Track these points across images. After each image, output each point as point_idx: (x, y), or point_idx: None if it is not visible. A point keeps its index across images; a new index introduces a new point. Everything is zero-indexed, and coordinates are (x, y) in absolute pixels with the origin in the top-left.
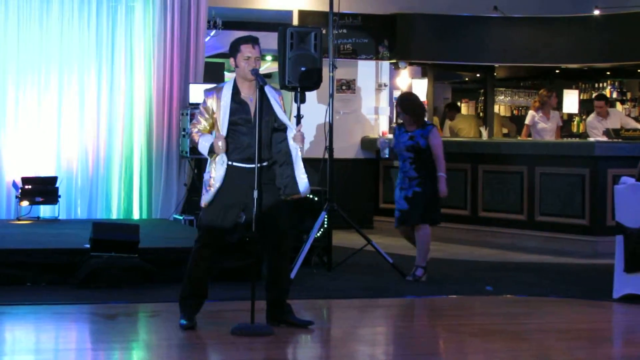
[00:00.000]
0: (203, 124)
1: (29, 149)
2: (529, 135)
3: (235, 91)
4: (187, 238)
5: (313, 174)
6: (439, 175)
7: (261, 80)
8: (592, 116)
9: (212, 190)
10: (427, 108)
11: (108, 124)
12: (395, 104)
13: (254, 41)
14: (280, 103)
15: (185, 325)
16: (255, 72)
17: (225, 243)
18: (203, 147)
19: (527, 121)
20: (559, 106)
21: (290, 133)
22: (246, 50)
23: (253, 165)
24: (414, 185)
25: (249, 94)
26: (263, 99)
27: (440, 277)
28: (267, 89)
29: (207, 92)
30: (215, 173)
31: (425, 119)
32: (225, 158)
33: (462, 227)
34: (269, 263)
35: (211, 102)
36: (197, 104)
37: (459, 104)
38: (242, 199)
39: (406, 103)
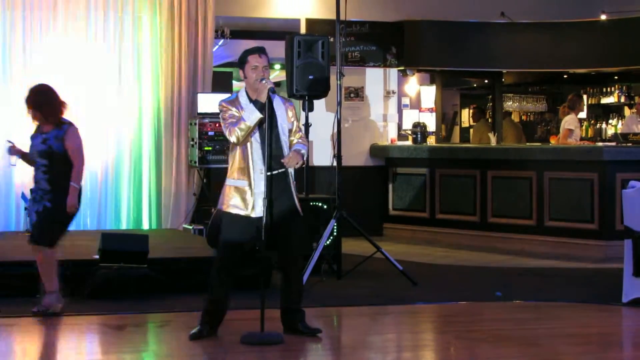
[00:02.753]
0: (236, 116)
1: None
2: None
3: (250, 100)
4: (197, 248)
5: (322, 181)
6: (70, 185)
7: (271, 90)
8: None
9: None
10: (435, 114)
11: (116, 134)
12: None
13: (260, 50)
14: (289, 114)
15: (195, 333)
16: (272, 89)
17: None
18: (250, 114)
19: (571, 125)
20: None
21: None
22: (253, 60)
23: (269, 173)
24: (45, 200)
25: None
26: (272, 109)
27: (450, 283)
28: (275, 100)
29: (226, 102)
30: (255, 180)
31: (63, 116)
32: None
33: (472, 233)
34: (282, 271)
35: (235, 109)
36: (206, 114)
37: (468, 110)
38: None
39: (35, 97)
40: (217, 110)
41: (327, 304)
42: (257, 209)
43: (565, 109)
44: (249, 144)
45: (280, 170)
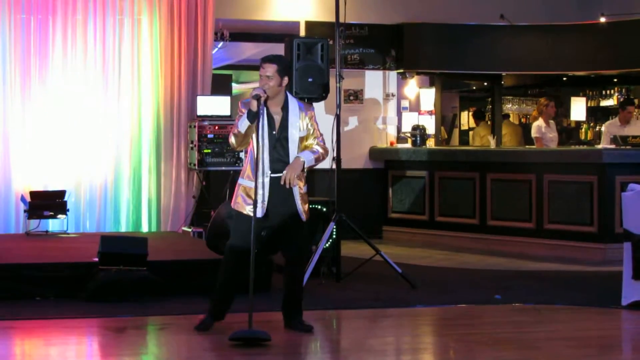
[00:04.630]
0: None
1: (37, 163)
2: None
3: (266, 107)
4: (196, 250)
5: (321, 184)
6: None
7: (255, 97)
8: (612, 121)
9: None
10: (435, 117)
11: (116, 137)
12: None
13: (264, 60)
14: (305, 119)
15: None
16: (256, 96)
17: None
18: (242, 121)
19: (536, 134)
20: (566, 114)
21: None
22: (260, 68)
23: (274, 175)
24: None
25: (275, 110)
26: (270, 115)
27: (449, 286)
28: (291, 103)
29: (242, 104)
30: (260, 182)
31: None
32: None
33: (471, 236)
34: (285, 271)
35: (245, 112)
36: (205, 116)
37: (467, 112)
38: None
39: None
40: (217, 113)
41: (326, 306)
42: (259, 210)
43: (535, 112)
44: (258, 147)
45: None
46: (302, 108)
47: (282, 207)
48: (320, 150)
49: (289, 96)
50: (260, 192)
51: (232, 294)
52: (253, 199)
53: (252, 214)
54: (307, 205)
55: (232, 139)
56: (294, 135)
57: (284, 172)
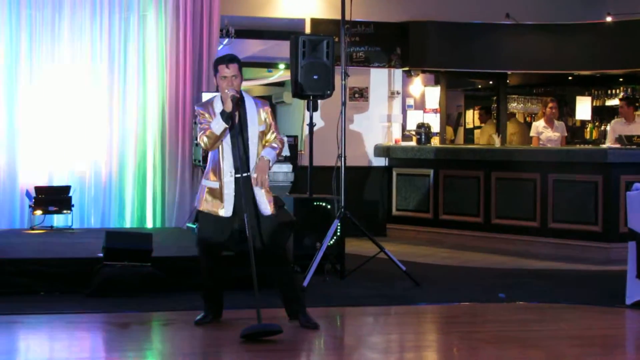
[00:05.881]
0: (209, 122)
1: (42, 158)
2: None
3: (223, 107)
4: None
5: (326, 181)
6: None
7: (232, 99)
8: (618, 120)
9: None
10: (439, 115)
11: (121, 133)
12: None
13: (229, 60)
14: (262, 116)
15: (200, 318)
16: (233, 98)
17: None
18: (216, 123)
19: (532, 132)
20: (571, 113)
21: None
22: (221, 69)
23: (238, 176)
24: None
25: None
26: (244, 115)
27: (453, 284)
28: (247, 102)
29: (200, 107)
30: (225, 182)
31: None
32: (232, 170)
33: (475, 234)
34: (269, 271)
35: (207, 115)
36: None
37: (472, 111)
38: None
39: None
40: None
41: (330, 303)
42: (226, 210)
43: (540, 113)
44: (220, 147)
45: (247, 174)
46: (259, 104)
47: (248, 206)
48: (279, 146)
49: (244, 93)
50: (225, 192)
51: (218, 288)
52: (218, 200)
53: (220, 214)
54: (271, 198)
55: (204, 141)
56: (253, 131)
57: (254, 175)
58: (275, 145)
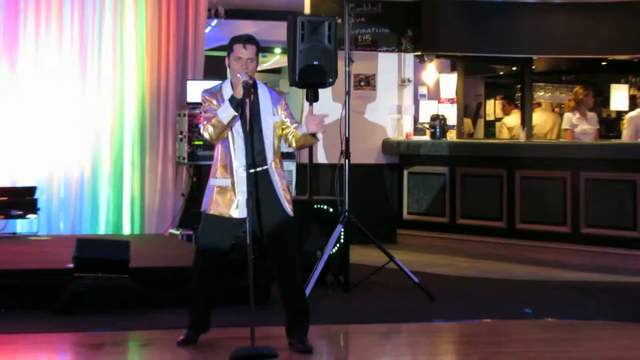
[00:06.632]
0: (215, 110)
1: (4, 156)
2: None
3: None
4: (185, 256)
5: (328, 181)
6: None
7: (244, 85)
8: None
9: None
10: (456, 106)
11: (95, 126)
12: None
13: (248, 40)
14: (278, 108)
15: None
16: (245, 84)
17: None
18: (224, 110)
19: (566, 125)
20: (606, 102)
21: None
22: (237, 50)
23: (253, 170)
24: None
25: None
26: (257, 104)
27: (473, 298)
28: (261, 90)
29: (207, 93)
30: (237, 178)
31: None
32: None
33: (497, 241)
34: (280, 284)
35: (215, 102)
36: (196, 103)
37: (493, 101)
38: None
39: None
40: None
41: (333, 320)
42: (240, 210)
43: (572, 102)
44: (230, 139)
45: (263, 168)
46: (272, 94)
47: (265, 206)
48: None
49: (257, 81)
50: (239, 189)
51: (210, 300)
52: (231, 199)
53: (233, 216)
54: (290, 199)
55: (209, 130)
56: (267, 121)
57: (308, 124)
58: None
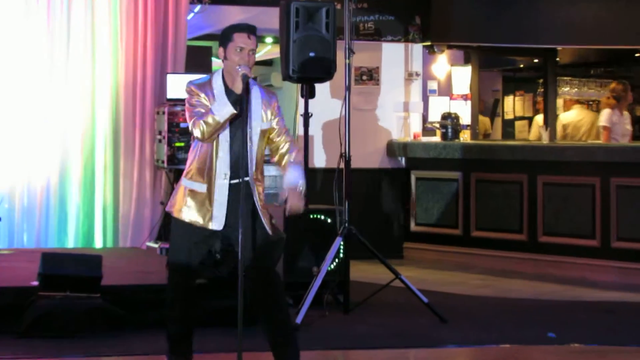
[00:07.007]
0: (205, 104)
1: None
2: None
3: (226, 88)
4: (163, 272)
5: (325, 188)
6: None
7: (244, 78)
8: None
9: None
10: (471, 103)
11: (62, 126)
12: None
13: (251, 30)
14: (268, 111)
15: None
16: (245, 77)
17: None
18: (221, 107)
19: (605, 122)
20: (635, 101)
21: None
22: (240, 39)
23: (235, 181)
24: None
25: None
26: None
27: (489, 320)
28: (253, 89)
29: (194, 85)
30: (217, 186)
31: None
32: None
33: (517, 256)
34: (259, 304)
35: (204, 96)
36: (177, 100)
37: (512, 97)
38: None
39: None
40: None
41: (331, 345)
42: (215, 221)
43: (611, 99)
44: (217, 142)
45: (244, 179)
46: (264, 94)
47: (245, 219)
48: (301, 159)
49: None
50: (216, 198)
51: (189, 323)
52: (206, 208)
53: (207, 226)
54: (270, 218)
55: (202, 128)
56: (256, 127)
57: (289, 203)
58: (298, 160)
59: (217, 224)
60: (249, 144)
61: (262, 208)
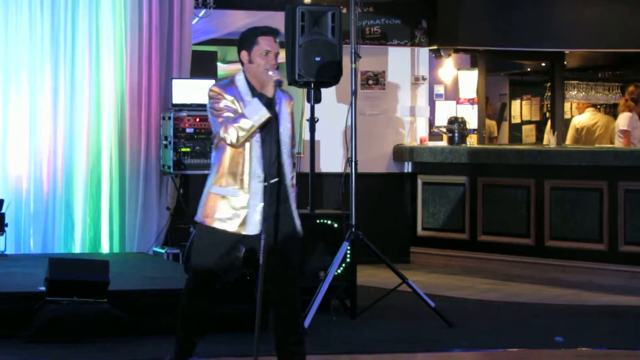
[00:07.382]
0: (233, 108)
1: None
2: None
3: (253, 91)
4: (171, 277)
5: (332, 193)
6: None
7: (277, 83)
8: None
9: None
10: (478, 107)
11: (68, 133)
12: None
13: (275, 33)
14: (288, 110)
15: None
16: (279, 82)
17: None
18: (255, 111)
19: (625, 126)
20: None
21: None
22: (265, 43)
23: (268, 183)
24: None
25: None
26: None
27: (497, 325)
28: (277, 94)
29: (220, 87)
30: (252, 190)
31: None
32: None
33: (524, 261)
34: (276, 305)
35: (232, 99)
36: (183, 105)
37: (519, 101)
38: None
39: None
40: (198, 101)
41: (338, 349)
42: (250, 226)
43: (629, 102)
44: (247, 145)
45: (276, 180)
46: (284, 95)
47: (277, 223)
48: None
49: None
50: (252, 202)
51: (201, 328)
52: (238, 212)
53: (240, 232)
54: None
55: (238, 134)
56: (285, 126)
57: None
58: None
59: (252, 229)
60: (282, 145)
61: (295, 210)
